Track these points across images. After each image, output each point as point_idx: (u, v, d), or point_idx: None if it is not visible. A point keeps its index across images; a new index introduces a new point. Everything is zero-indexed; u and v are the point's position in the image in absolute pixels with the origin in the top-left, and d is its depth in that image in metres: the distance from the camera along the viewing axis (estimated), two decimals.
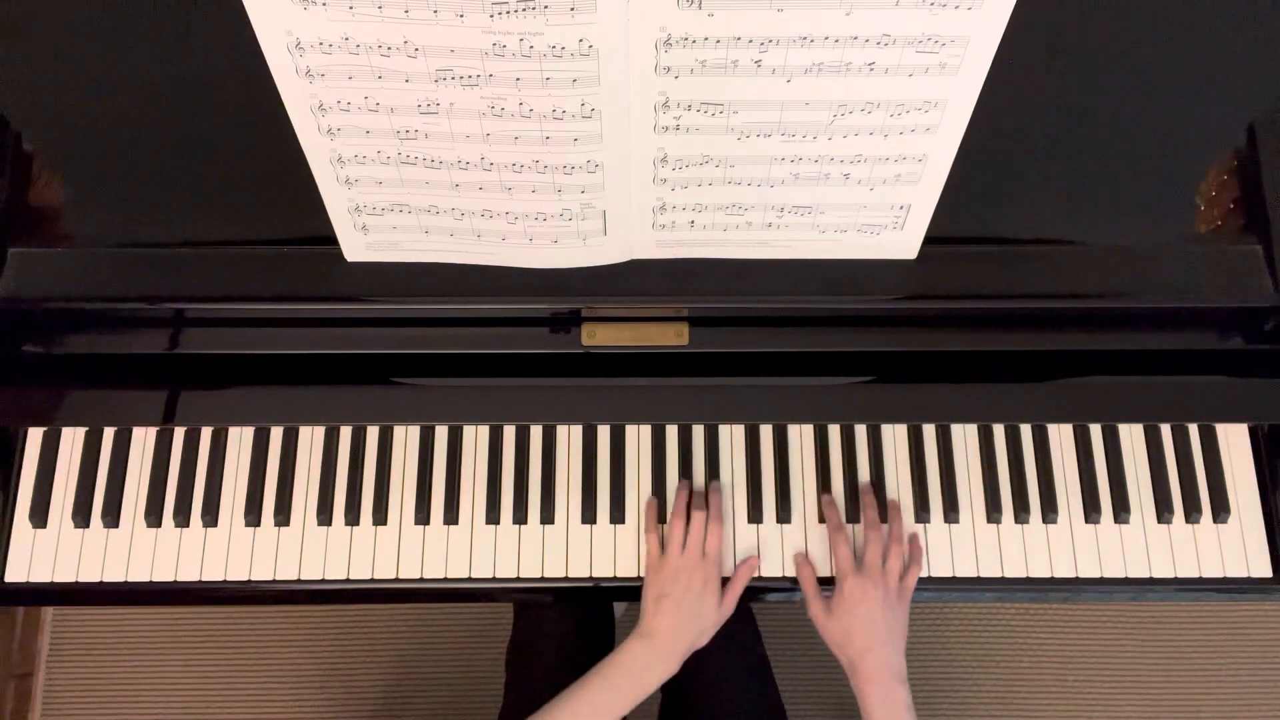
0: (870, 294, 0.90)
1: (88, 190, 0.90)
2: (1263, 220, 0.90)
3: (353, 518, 0.98)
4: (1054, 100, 0.85)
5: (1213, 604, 1.63)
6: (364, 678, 1.60)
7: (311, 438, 1.00)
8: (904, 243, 0.87)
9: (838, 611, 0.90)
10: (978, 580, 0.97)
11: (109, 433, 1.00)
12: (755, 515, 0.98)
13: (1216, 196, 0.93)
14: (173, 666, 1.60)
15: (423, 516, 0.98)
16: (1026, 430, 1.00)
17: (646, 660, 0.88)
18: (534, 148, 0.75)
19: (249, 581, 0.97)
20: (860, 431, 1.01)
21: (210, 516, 0.98)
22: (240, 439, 1.00)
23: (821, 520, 0.98)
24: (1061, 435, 1.00)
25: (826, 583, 0.95)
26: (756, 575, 0.96)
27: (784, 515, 0.98)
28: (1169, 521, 0.98)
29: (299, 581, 0.97)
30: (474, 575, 0.97)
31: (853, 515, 0.98)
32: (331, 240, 0.87)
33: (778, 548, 0.97)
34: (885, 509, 0.97)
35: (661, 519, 0.98)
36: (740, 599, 0.95)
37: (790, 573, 0.97)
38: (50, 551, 0.97)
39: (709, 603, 0.90)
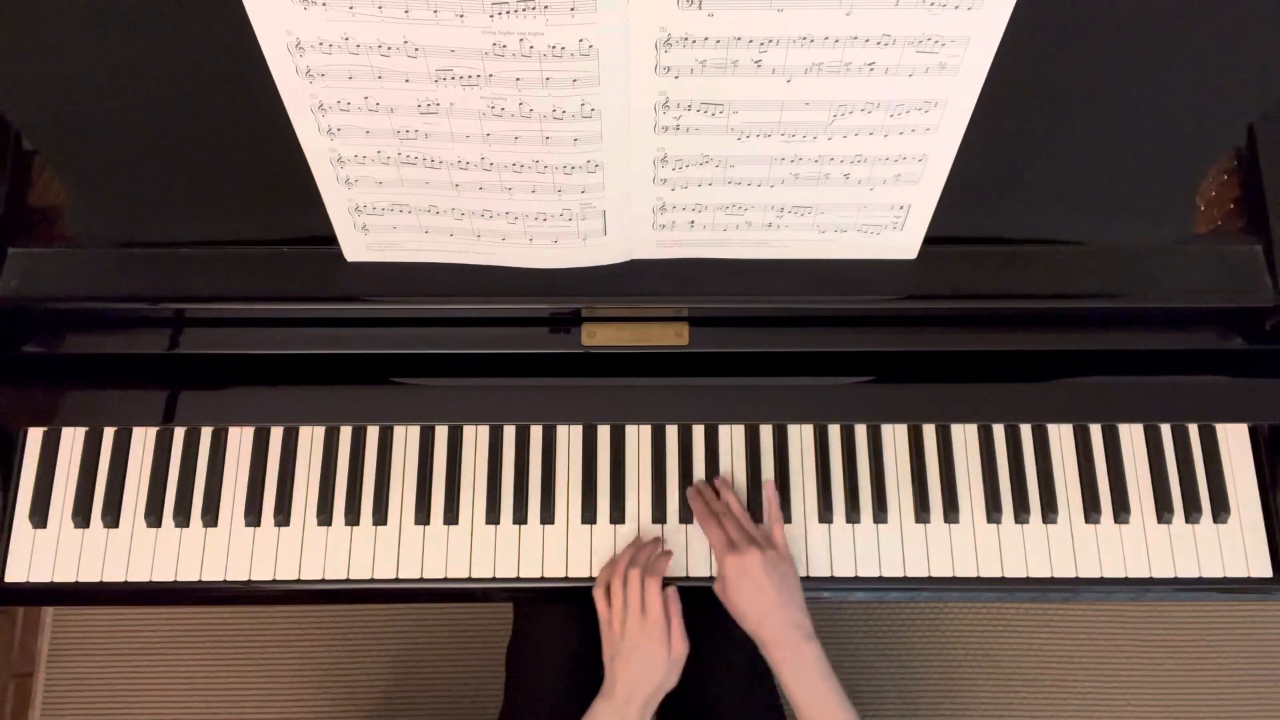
0: (870, 294, 0.90)
1: (88, 190, 0.90)
2: (1263, 220, 0.90)
3: (353, 518, 0.98)
4: (1054, 100, 0.85)
5: (1213, 604, 1.63)
6: (364, 678, 1.60)
7: (311, 438, 1.00)
8: (904, 243, 0.87)
9: (728, 592, 0.91)
10: (978, 580, 0.97)
11: (109, 433, 1.00)
12: (755, 516, 0.98)
13: (1216, 196, 0.93)
14: (173, 666, 1.60)
15: (423, 516, 0.98)
16: (1026, 430, 1.00)
17: (610, 718, 0.89)
18: (534, 148, 0.75)
19: (249, 581, 0.97)
20: (860, 431, 1.01)
21: (210, 516, 0.98)
22: (240, 439, 1.00)
23: (822, 520, 0.98)
24: (1061, 435, 1.00)
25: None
26: None
27: (784, 515, 0.98)
28: (1169, 521, 0.98)
29: (299, 581, 0.97)
30: (474, 575, 0.97)
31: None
32: (331, 240, 0.87)
33: None
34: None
35: (660, 518, 0.98)
36: None
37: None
38: (50, 551, 0.97)
39: (655, 658, 0.90)
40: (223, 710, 1.59)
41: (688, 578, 0.97)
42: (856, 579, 0.97)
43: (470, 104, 0.72)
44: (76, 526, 0.97)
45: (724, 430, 1.01)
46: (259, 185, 0.87)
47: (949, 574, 0.97)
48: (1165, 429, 1.00)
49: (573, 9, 0.64)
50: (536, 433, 1.00)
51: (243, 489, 0.98)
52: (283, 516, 0.98)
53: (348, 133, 0.76)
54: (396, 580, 0.97)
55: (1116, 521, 0.98)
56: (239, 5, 0.65)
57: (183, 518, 0.98)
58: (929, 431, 1.00)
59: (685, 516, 0.98)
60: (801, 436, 1.01)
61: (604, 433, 1.01)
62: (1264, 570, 0.97)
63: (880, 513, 0.98)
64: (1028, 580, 0.97)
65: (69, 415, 0.98)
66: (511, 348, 0.96)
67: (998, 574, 0.97)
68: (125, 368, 0.97)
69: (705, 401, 0.98)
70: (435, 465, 0.99)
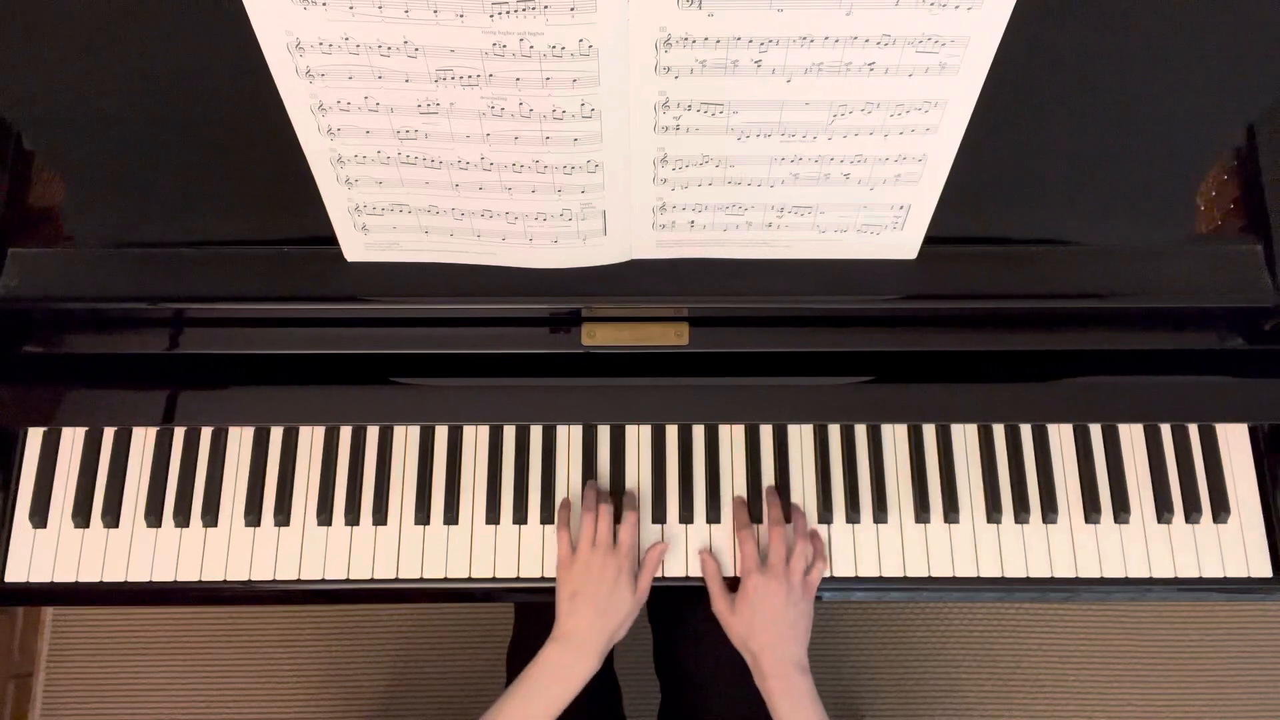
0: (870, 294, 0.90)
1: (88, 190, 0.90)
2: (1263, 220, 0.90)
3: (353, 518, 0.98)
4: (1054, 100, 0.85)
5: (1213, 604, 1.63)
6: (364, 678, 1.60)
7: (311, 438, 1.00)
8: (904, 243, 0.87)
9: (741, 608, 0.90)
10: (978, 580, 0.97)
11: (109, 433, 1.00)
12: (756, 515, 0.98)
13: (1216, 196, 0.93)
14: (173, 666, 1.60)
15: (423, 516, 0.98)
16: (1026, 430, 1.00)
17: (566, 662, 0.88)
18: (534, 148, 0.75)
19: (249, 581, 0.97)
20: (860, 431, 1.01)
21: (210, 516, 0.98)
22: (240, 439, 1.00)
23: (821, 520, 0.98)
24: (1061, 435, 1.00)
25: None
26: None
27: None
28: (1169, 521, 0.98)
29: (299, 581, 0.97)
30: (474, 575, 0.97)
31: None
32: (331, 240, 0.87)
33: None
34: (789, 511, 0.97)
35: (660, 518, 0.98)
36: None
37: None
38: (50, 551, 0.97)
39: (623, 595, 0.90)
40: (223, 710, 1.59)
41: (687, 578, 0.97)
42: (856, 579, 0.97)
43: (470, 104, 0.72)
44: (76, 527, 0.97)
45: (724, 430, 1.01)
46: (259, 185, 0.87)
47: (949, 574, 0.97)
48: (1165, 429, 1.00)
49: (573, 9, 0.64)
50: (536, 433, 1.00)
51: (243, 489, 0.99)
52: (283, 516, 0.98)
53: (348, 133, 0.76)
54: (396, 580, 0.97)
55: (1116, 521, 0.98)
56: (239, 5, 0.65)
57: (183, 518, 0.98)
58: (929, 431, 1.00)
59: (685, 516, 0.98)
60: (801, 436, 1.01)
61: (604, 433, 1.01)
62: (1264, 570, 0.97)
63: (880, 513, 0.98)
64: (1028, 580, 0.97)
65: (69, 415, 0.98)
66: (511, 348, 0.96)
67: (998, 574, 0.97)
68: (125, 368, 0.97)
69: (705, 401, 0.98)
70: (435, 465, 0.99)
